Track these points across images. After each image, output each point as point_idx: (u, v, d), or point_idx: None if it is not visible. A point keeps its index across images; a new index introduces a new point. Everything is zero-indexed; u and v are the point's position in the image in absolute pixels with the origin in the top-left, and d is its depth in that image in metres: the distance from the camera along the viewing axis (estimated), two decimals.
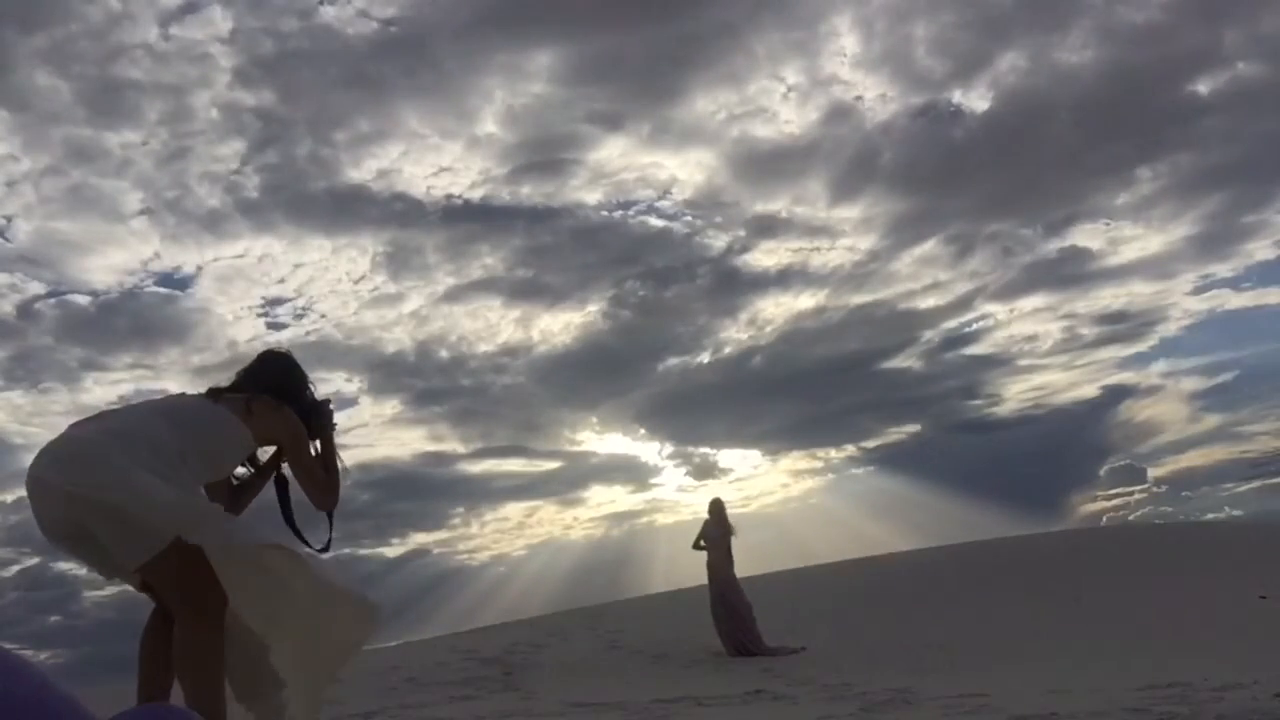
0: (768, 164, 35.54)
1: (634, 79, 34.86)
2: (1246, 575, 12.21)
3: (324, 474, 3.36)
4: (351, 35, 30.80)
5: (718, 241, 36.36)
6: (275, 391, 3.33)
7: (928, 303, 36.59)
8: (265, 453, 3.48)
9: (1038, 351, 37.73)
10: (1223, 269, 35.12)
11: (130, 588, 3.10)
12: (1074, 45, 33.97)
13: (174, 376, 31.57)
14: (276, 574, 2.96)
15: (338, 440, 3.47)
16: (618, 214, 35.39)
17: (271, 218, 33.94)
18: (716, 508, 10.15)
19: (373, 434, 33.84)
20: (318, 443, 3.41)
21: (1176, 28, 32.72)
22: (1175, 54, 31.86)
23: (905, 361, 38.02)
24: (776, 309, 37.68)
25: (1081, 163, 35.18)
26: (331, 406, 3.47)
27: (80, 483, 2.80)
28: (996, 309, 37.29)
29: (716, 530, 10.01)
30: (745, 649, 9.37)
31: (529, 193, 34.46)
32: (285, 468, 3.42)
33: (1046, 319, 37.47)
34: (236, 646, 2.99)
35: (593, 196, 34.74)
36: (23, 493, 3.00)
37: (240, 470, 3.42)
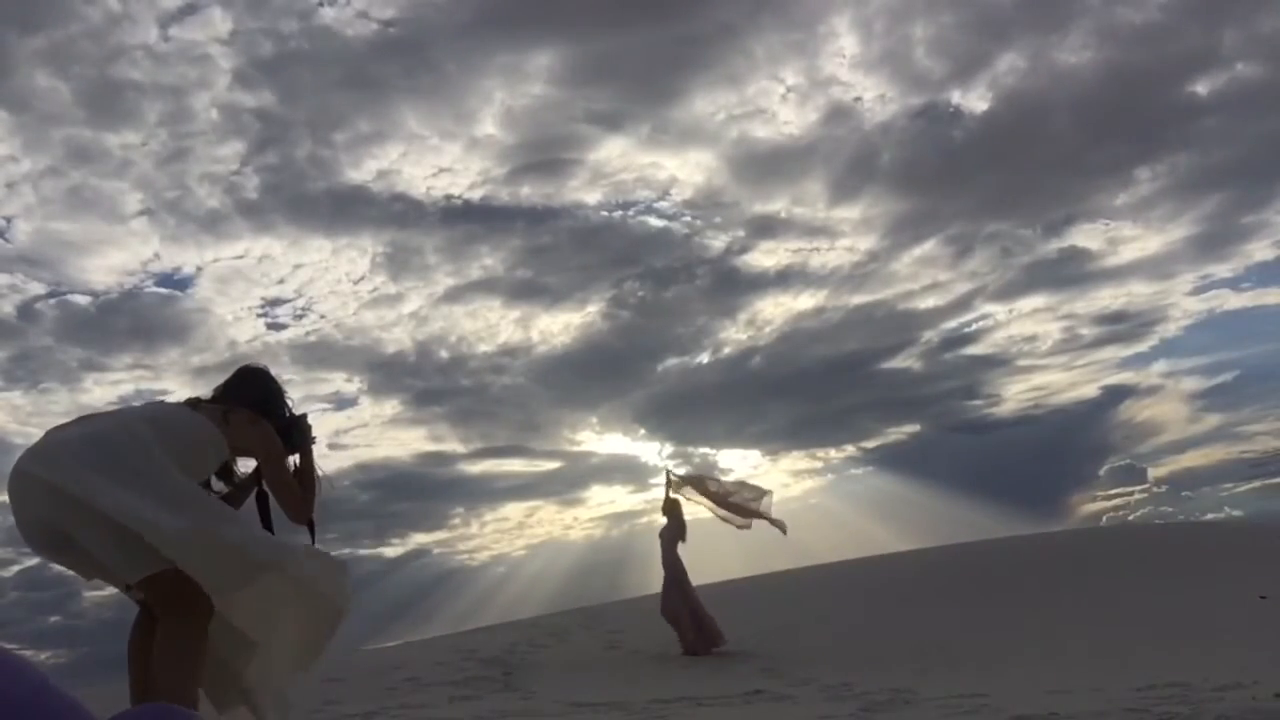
0: (767, 164, 35.63)
1: (634, 79, 34.93)
2: (1246, 575, 12.19)
3: (299, 488, 3.39)
4: (351, 36, 30.93)
5: (717, 242, 36.45)
6: (254, 407, 3.38)
7: (927, 303, 36.69)
8: (245, 469, 3.51)
9: (1037, 352, 37.82)
10: (1222, 269, 35.22)
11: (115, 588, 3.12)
12: (1073, 46, 34.07)
13: (174, 377, 31.67)
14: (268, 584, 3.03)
15: (315, 454, 3.51)
16: (617, 214, 35.49)
17: (271, 218, 34.09)
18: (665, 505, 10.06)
19: (373, 434, 33.96)
20: (296, 457, 3.45)
21: (1176, 28, 32.80)
22: (1175, 54, 32.00)
23: (905, 361, 38.10)
24: (776, 309, 37.75)
25: (1081, 163, 35.31)
26: (309, 422, 3.50)
27: (66, 483, 2.80)
28: (996, 309, 37.38)
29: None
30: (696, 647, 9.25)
31: (528, 193, 34.55)
32: (265, 483, 3.44)
33: (1046, 319, 37.55)
34: (210, 657, 3.02)
35: (592, 197, 34.85)
36: None
37: (217, 485, 3.44)
